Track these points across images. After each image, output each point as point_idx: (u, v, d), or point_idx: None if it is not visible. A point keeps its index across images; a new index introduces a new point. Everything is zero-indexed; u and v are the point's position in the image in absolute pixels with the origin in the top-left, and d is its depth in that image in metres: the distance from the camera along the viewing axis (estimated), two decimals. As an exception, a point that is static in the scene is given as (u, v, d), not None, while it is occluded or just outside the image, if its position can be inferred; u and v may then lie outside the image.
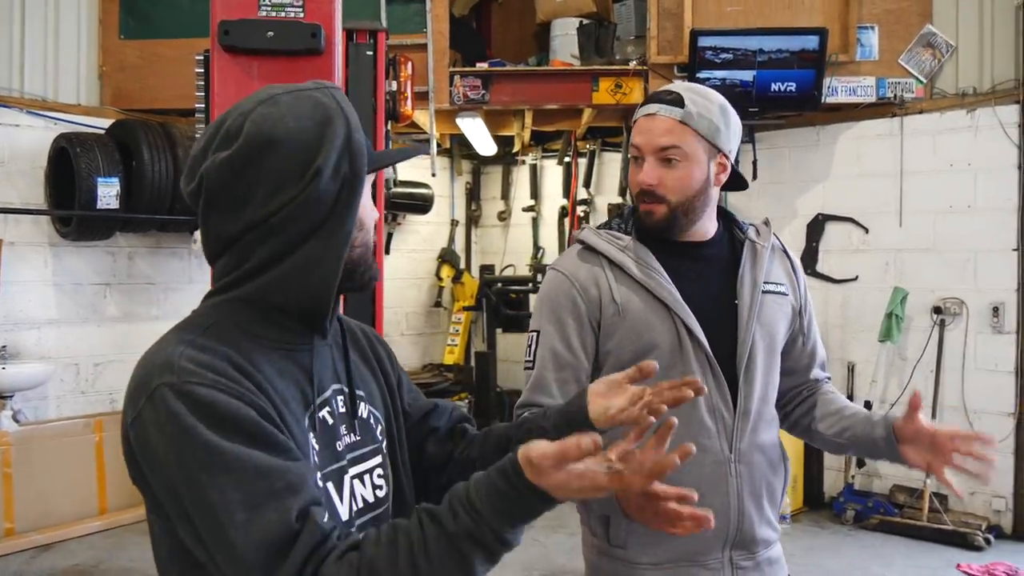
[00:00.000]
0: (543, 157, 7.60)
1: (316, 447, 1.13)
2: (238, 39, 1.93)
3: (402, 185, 6.93)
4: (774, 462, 1.74)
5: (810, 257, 5.84)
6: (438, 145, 7.29)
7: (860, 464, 5.53)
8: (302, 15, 1.96)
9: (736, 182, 1.79)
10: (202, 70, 2.07)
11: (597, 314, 1.68)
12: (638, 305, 1.67)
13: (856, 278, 5.66)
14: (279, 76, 1.99)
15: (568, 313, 1.69)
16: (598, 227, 1.79)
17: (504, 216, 7.91)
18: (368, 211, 1.20)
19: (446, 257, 7.70)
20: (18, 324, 5.29)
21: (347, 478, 1.18)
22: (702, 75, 5.32)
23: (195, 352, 1.06)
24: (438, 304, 7.75)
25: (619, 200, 6.77)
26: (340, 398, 1.22)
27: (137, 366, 1.09)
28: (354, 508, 1.18)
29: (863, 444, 1.73)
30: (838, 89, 5.46)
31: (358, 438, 1.23)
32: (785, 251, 1.86)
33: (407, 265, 7.63)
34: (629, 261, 1.69)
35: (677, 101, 1.67)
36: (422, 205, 7.22)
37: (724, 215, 1.82)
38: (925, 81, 5.41)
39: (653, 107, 1.69)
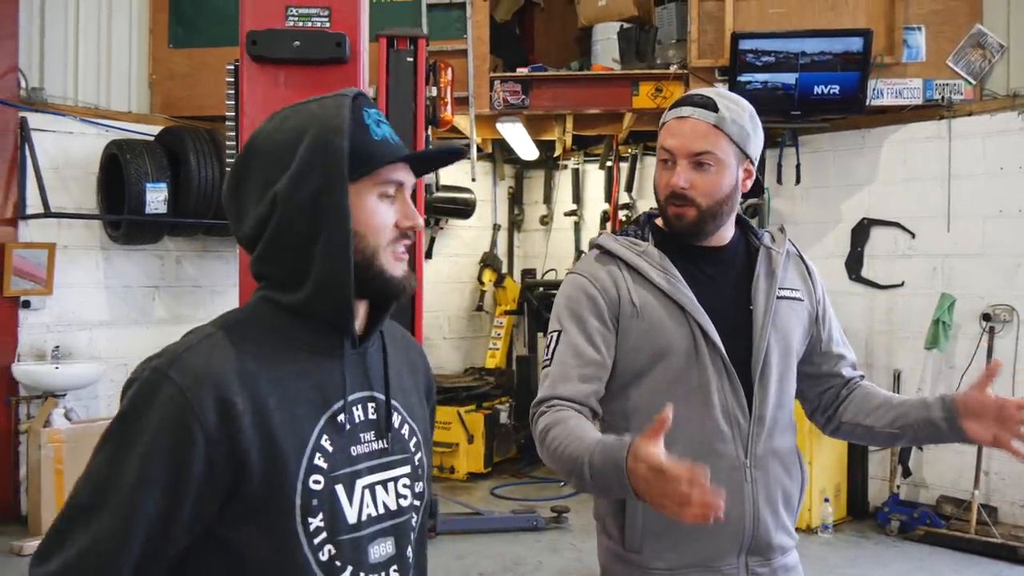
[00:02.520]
0: (585, 161, 7.59)
1: (329, 449, 1.15)
2: (265, 49, 1.97)
3: (444, 190, 6.98)
4: (790, 468, 1.72)
5: (855, 262, 5.74)
6: (480, 150, 7.34)
7: (906, 474, 5.42)
8: (328, 24, 2.00)
9: (754, 189, 1.78)
10: (232, 79, 2.14)
11: (616, 311, 1.68)
12: (655, 308, 1.67)
13: (902, 284, 5.55)
14: (306, 84, 2.04)
15: (589, 311, 1.68)
16: (615, 233, 1.80)
17: (546, 220, 7.92)
18: (361, 217, 1.16)
19: (488, 261, 7.73)
20: (70, 325, 5.46)
21: (359, 483, 1.18)
22: (743, 78, 5.28)
23: (207, 348, 1.12)
24: (480, 308, 7.78)
25: (662, 204, 6.73)
26: (371, 405, 1.23)
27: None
28: (369, 513, 1.19)
29: (919, 429, 1.68)
30: (883, 91, 5.36)
31: (386, 446, 1.23)
32: (801, 256, 1.84)
33: (449, 269, 7.69)
34: (646, 265, 1.69)
35: (710, 105, 1.66)
36: (464, 209, 7.27)
37: (740, 222, 1.81)
38: (974, 82, 5.29)
39: (686, 110, 1.67)
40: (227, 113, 2.24)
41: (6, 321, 5.24)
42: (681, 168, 1.66)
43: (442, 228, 7.58)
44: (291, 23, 2.01)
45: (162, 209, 5.32)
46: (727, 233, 1.76)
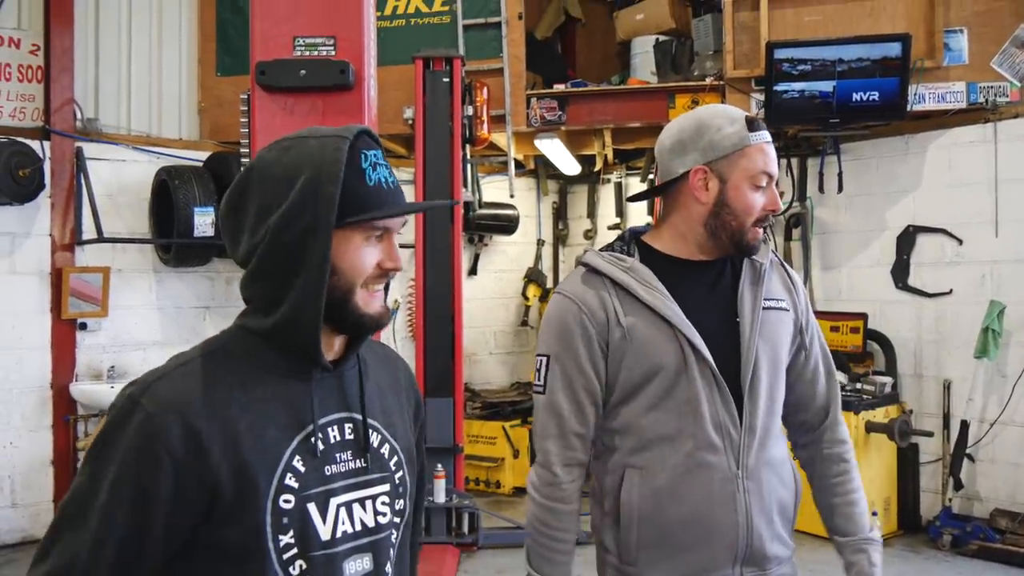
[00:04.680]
0: (627, 175, 7.59)
1: (301, 469, 1.20)
2: (273, 78, 2.06)
3: (487, 207, 7.05)
4: (784, 478, 1.72)
5: (902, 271, 5.63)
6: (522, 166, 7.41)
7: (958, 487, 5.27)
8: (333, 53, 2.07)
9: None
10: (245, 108, 2.23)
11: (606, 335, 1.69)
12: (643, 326, 1.68)
13: (950, 291, 5.42)
14: (313, 111, 2.11)
15: (579, 338, 1.69)
16: (600, 249, 1.81)
17: (590, 234, 7.93)
18: (345, 257, 1.20)
19: (532, 277, 7.76)
20: (125, 346, 5.66)
21: (334, 501, 1.22)
22: (779, 87, 5.25)
23: (179, 377, 1.18)
24: (525, 323, 7.82)
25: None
26: (348, 425, 1.27)
27: None
28: (344, 530, 1.23)
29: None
30: (925, 96, 5.27)
31: (363, 465, 1.27)
32: (783, 266, 1.85)
33: (494, 285, 7.74)
34: (633, 282, 1.70)
35: (766, 127, 1.74)
36: (507, 226, 7.33)
37: None
38: (1020, 84, 5.17)
39: (766, 134, 1.72)
40: (241, 140, 2.34)
41: (64, 342, 5.47)
42: (775, 191, 1.72)
43: (486, 245, 7.65)
44: (298, 52, 2.09)
45: (210, 232, 5.49)
46: None
